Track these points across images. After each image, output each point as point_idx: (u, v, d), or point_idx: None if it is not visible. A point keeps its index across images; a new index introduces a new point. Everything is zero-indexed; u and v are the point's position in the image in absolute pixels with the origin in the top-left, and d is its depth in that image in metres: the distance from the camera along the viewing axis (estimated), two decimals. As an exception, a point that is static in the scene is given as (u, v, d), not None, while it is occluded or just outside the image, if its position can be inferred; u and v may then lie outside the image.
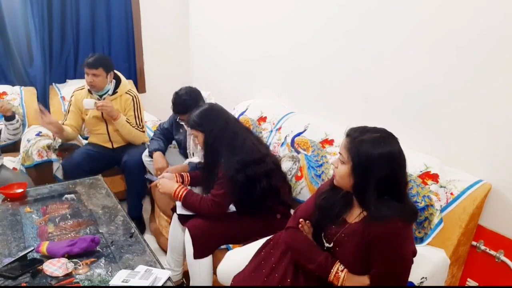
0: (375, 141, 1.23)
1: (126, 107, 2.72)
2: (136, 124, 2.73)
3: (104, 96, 2.65)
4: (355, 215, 1.33)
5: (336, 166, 1.32)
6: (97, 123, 2.72)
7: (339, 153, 1.30)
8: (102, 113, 2.63)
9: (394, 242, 1.20)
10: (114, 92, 2.69)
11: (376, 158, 1.21)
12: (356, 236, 1.27)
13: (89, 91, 2.66)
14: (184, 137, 2.49)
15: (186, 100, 2.27)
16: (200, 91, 2.40)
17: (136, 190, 2.76)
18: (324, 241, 1.39)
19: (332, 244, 1.36)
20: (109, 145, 2.78)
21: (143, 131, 2.78)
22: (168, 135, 2.62)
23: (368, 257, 1.24)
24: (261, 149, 1.92)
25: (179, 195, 1.87)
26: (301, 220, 1.45)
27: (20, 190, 2.05)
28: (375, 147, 1.22)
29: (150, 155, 2.49)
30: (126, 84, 2.80)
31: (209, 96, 2.53)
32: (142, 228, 2.77)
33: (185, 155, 2.56)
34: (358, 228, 1.28)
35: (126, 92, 2.74)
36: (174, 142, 2.71)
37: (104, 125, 2.73)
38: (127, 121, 2.67)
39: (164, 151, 2.50)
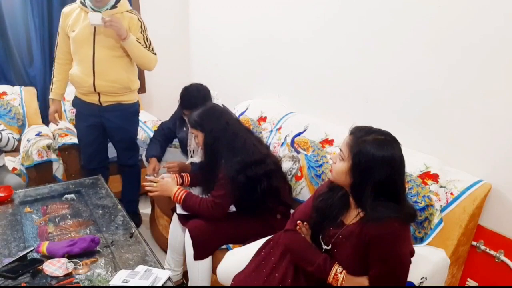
0: (379, 143, 1.22)
1: (132, 28, 2.30)
2: (146, 45, 2.35)
3: (102, 11, 2.25)
4: (353, 216, 1.33)
5: (334, 161, 1.32)
6: (83, 44, 2.28)
7: (340, 149, 1.30)
8: (94, 33, 2.23)
9: (392, 243, 1.20)
10: (113, 7, 2.27)
11: (377, 161, 1.21)
12: (354, 237, 1.27)
13: (82, 3, 2.28)
14: (187, 135, 2.49)
15: (195, 97, 2.28)
16: (209, 90, 2.41)
17: (131, 184, 2.75)
18: (322, 243, 1.39)
19: (330, 246, 1.36)
20: (95, 99, 2.39)
21: (155, 54, 2.40)
22: (169, 135, 2.62)
23: (367, 258, 1.24)
24: (261, 149, 1.92)
25: (179, 198, 1.87)
26: (298, 222, 1.45)
27: (1, 194, 1.99)
28: (378, 149, 1.21)
29: (147, 160, 2.49)
30: (127, 2, 2.38)
31: (217, 96, 2.53)
32: (138, 222, 2.77)
33: (187, 154, 2.56)
34: (356, 229, 1.28)
35: (127, 11, 2.33)
36: (175, 141, 2.71)
37: (90, 48, 2.27)
38: (138, 40, 2.28)
39: (161, 157, 2.50)
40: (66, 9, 2.35)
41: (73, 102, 2.55)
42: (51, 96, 2.52)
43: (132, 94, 2.49)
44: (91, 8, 2.24)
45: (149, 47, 2.37)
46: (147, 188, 1.98)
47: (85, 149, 2.59)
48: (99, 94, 2.37)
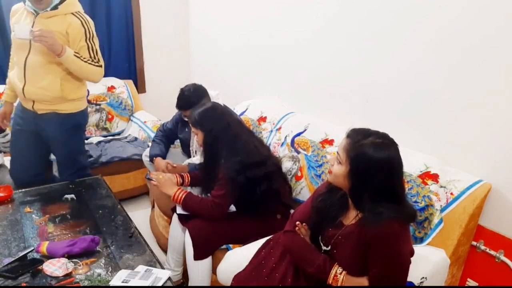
0: (376, 147, 1.21)
1: (72, 34, 2.02)
2: (91, 57, 2.08)
3: (39, 13, 1.99)
4: (352, 217, 1.32)
5: (332, 164, 1.31)
6: (19, 46, 2.05)
7: (337, 152, 1.29)
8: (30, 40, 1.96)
9: (391, 243, 1.20)
10: (54, 8, 2.00)
11: (375, 165, 1.20)
12: (353, 238, 1.27)
13: (24, 2, 2.03)
14: (189, 135, 2.49)
15: (189, 97, 2.29)
16: (205, 89, 2.41)
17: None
18: (322, 244, 1.39)
19: (329, 247, 1.35)
20: (29, 105, 2.13)
21: (100, 65, 2.13)
22: (171, 136, 2.62)
23: (366, 259, 1.24)
24: (263, 151, 1.92)
25: (179, 199, 1.87)
26: (297, 222, 1.44)
27: (1, 194, 1.99)
28: (376, 153, 1.20)
29: (151, 160, 2.49)
30: (75, 2, 2.10)
31: (217, 96, 2.53)
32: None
33: (188, 154, 2.56)
34: (355, 230, 1.27)
35: (72, 13, 2.05)
36: (176, 142, 2.71)
37: (25, 52, 2.03)
38: (76, 55, 2.01)
39: (164, 156, 2.50)
40: (14, 7, 2.14)
41: (16, 107, 2.32)
42: (3, 98, 2.28)
43: (70, 104, 2.18)
44: (33, 10, 2.00)
45: (94, 58, 2.10)
46: (153, 182, 1.98)
47: (15, 156, 2.29)
48: (33, 100, 2.12)
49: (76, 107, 2.22)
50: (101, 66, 2.13)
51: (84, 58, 2.05)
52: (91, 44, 2.09)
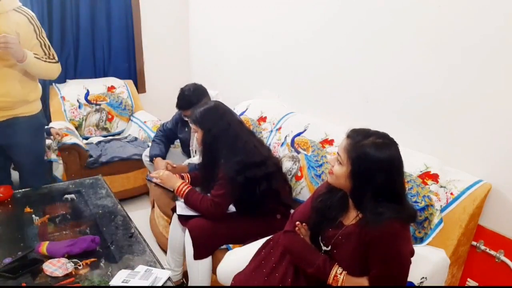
0: (377, 147, 1.21)
1: (23, 34, 1.88)
2: (45, 54, 2.00)
3: None
4: (352, 217, 1.32)
5: (332, 165, 1.31)
6: None
7: (338, 153, 1.29)
8: None
9: (392, 243, 1.20)
10: None
11: (376, 165, 1.20)
12: (353, 238, 1.27)
13: None
14: (189, 135, 2.49)
15: (189, 97, 2.31)
16: (205, 89, 2.42)
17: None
18: (322, 244, 1.39)
19: (330, 247, 1.35)
20: None
21: (57, 61, 2.04)
22: (171, 136, 2.62)
23: (366, 259, 1.24)
24: (262, 151, 1.92)
25: (182, 192, 1.87)
26: (297, 222, 1.44)
27: (1, 195, 1.96)
28: (377, 153, 1.20)
29: (151, 160, 2.49)
30: None
31: (217, 96, 2.54)
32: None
33: (188, 154, 2.56)
34: (355, 230, 1.27)
35: (15, 10, 1.90)
36: (175, 142, 2.71)
37: None
38: (36, 56, 1.92)
39: (164, 156, 2.50)
40: None
41: None
42: None
43: (31, 105, 2.08)
44: None
45: (49, 54, 2.00)
46: (154, 181, 1.98)
47: None
48: None
49: (37, 107, 2.14)
50: (57, 61, 2.05)
51: (42, 57, 1.97)
52: (43, 40, 1.98)
